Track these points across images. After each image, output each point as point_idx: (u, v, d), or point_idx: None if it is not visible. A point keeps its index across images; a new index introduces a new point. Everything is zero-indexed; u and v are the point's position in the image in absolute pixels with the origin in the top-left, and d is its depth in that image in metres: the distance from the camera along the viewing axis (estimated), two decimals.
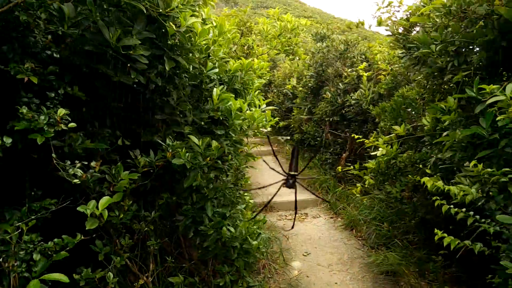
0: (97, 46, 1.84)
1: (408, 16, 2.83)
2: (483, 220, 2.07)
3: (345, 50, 6.80)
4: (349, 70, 6.52)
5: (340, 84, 6.64)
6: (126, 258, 2.26)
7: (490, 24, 2.19)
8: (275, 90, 10.10)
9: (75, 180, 1.76)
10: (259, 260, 3.81)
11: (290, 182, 2.50)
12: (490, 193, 2.05)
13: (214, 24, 2.53)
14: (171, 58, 2.06)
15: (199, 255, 3.07)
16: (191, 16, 2.17)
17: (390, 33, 3.02)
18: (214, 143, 2.42)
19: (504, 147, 2.19)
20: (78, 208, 1.77)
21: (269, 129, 3.44)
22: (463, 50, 2.42)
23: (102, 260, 2.16)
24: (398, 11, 3.06)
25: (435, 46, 2.45)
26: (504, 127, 2.10)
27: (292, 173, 2.49)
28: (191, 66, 2.29)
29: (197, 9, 2.19)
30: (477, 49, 2.36)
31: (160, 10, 1.90)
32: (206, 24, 2.44)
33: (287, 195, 6.33)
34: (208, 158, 2.43)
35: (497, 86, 1.89)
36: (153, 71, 2.06)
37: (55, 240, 1.76)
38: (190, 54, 2.26)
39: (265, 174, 7.62)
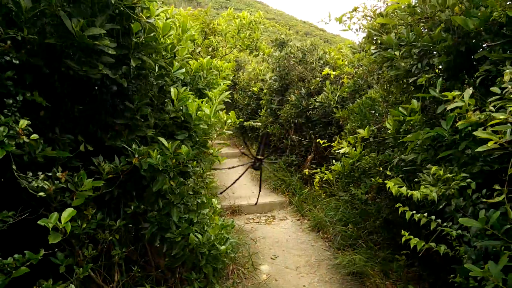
0: (60, 38, 1.71)
1: (381, 13, 2.87)
2: (444, 224, 2.11)
3: (303, 57, 6.88)
4: (310, 75, 6.60)
5: (303, 88, 6.70)
6: (89, 269, 2.13)
7: (451, 29, 2.26)
8: (240, 92, 10.06)
9: (41, 193, 1.62)
10: (227, 265, 3.75)
11: (256, 164, 2.55)
12: (450, 193, 2.10)
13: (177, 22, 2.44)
14: (137, 57, 1.96)
15: (166, 263, 2.97)
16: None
17: (364, 28, 3.05)
18: (184, 147, 2.33)
19: (464, 149, 2.26)
20: (39, 222, 1.63)
21: (229, 132, 3.36)
22: (426, 53, 2.48)
23: (64, 273, 2.02)
24: (365, 15, 3.10)
25: (400, 50, 2.50)
26: (464, 129, 2.16)
27: (259, 157, 2.52)
28: (157, 66, 2.19)
29: (159, 4, 2.10)
30: (438, 52, 2.42)
31: (127, 2, 1.79)
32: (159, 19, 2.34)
33: (254, 198, 6.32)
34: (176, 162, 2.34)
35: (458, 93, 1.94)
36: (118, 72, 1.95)
37: (15, 256, 1.62)
38: (155, 54, 2.16)
39: (231, 176, 7.58)
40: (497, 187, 1.70)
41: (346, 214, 4.92)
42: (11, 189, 1.85)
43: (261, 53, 4.36)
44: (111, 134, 2.31)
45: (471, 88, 1.95)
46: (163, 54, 2.27)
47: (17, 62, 1.65)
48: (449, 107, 1.96)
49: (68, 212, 1.64)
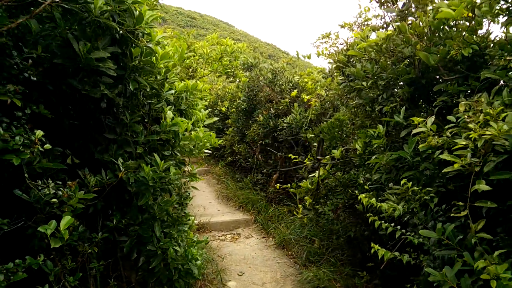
0: (66, 59, 1.79)
1: (348, 48, 3.16)
2: (408, 233, 2.35)
3: (273, 78, 7.18)
4: (279, 97, 6.89)
5: (271, 109, 6.96)
6: (78, 278, 2.15)
7: (413, 64, 2.56)
8: (208, 110, 10.17)
9: (54, 200, 1.68)
10: (197, 281, 3.78)
11: (316, 164, 2.91)
12: (414, 209, 2.35)
13: (170, 47, 2.57)
14: (134, 78, 2.06)
15: (138, 278, 2.97)
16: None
17: (331, 61, 3.33)
18: (173, 169, 2.43)
19: (424, 170, 2.53)
20: (39, 228, 1.68)
21: (209, 151, 3.48)
22: (391, 84, 2.78)
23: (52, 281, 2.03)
24: (335, 43, 3.40)
25: (367, 81, 2.78)
26: (424, 152, 2.43)
27: (319, 157, 2.85)
28: (149, 87, 2.30)
29: (155, 27, 2.22)
30: (402, 84, 2.72)
31: (128, 27, 1.91)
32: (163, 48, 2.48)
33: (220, 216, 6.39)
34: (163, 179, 2.43)
35: (422, 119, 2.22)
36: (114, 90, 2.04)
37: (16, 261, 1.67)
38: (150, 76, 2.28)
39: (198, 196, 7.60)
40: (460, 203, 1.95)
41: (311, 231, 5.11)
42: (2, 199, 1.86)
43: (238, 80, 4.56)
44: (100, 148, 2.36)
45: (432, 116, 2.23)
46: (157, 77, 2.38)
47: (35, 79, 1.71)
48: (414, 131, 2.23)
49: (66, 220, 1.69)
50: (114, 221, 2.49)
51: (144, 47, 2.06)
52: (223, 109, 9.00)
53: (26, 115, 1.73)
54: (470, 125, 1.86)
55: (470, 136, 1.84)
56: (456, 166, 1.88)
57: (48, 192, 1.69)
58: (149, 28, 2.02)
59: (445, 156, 1.95)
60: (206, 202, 7.28)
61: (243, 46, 4.52)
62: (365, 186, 3.10)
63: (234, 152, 8.46)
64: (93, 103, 2.20)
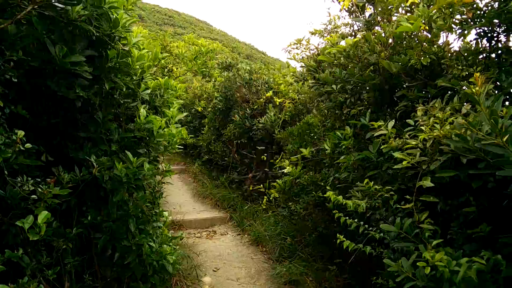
0: (43, 62, 1.85)
1: (318, 53, 3.33)
2: (370, 228, 2.53)
3: (250, 79, 7.32)
4: (255, 97, 7.03)
5: (247, 109, 7.09)
6: (55, 272, 2.21)
7: (378, 71, 2.75)
8: (183, 109, 10.20)
9: (33, 196, 1.73)
10: (172, 276, 3.87)
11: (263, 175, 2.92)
12: (377, 205, 2.53)
13: (145, 48, 2.66)
14: (110, 79, 2.14)
15: (113, 274, 3.04)
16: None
17: (304, 65, 3.50)
18: (147, 165, 2.51)
19: (387, 169, 2.72)
20: (17, 222, 1.74)
21: (180, 148, 3.57)
22: (357, 89, 2.97)
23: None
24: (308, 48, 3.56)
25: (336, 85, 2.96)
26: (387, 153, 2.63)
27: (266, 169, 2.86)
28: (124, 87, 2.38)
29: (131, 31, 2.31)
30: (368, 88, 2.91)
31: (105, 31, 1.99)
32: (139, 49, 2.56)
33: (195, 214, 6.47)
34: (137, 176, 2.51)
35: (382, 123, 2.41)
36: (90, 91, 2.11)
37: None
38: (125, 76, 2.36)
39: (173, 192, 7.65)
40: (408, 197, 2.14)
41: (285, 228, 5.28)
42: None
43: (213, 80, 4.65)
44: (74, 146, 2.42)
45: (393, 120, 2.42)
46: (133, 77, 2.47)
47: (16, 80, 1.77)
48: (375, 134, 2.41)
49: (44, 214, 1.76)
50: (89, 218, 2.55)
51: (121, 50, 2.14)
52: (199, 108, 9.06)
53: (6, 114, 1.79)
54: (422, 127, 2.06)
55: (420, 137, 2.04)
56: (404, 163, 2.08)
57: (27, 189, 1.76)
58: (126, 32, 2.10)
59: (397, 154, 2.14)
60: (182, 200, 7.35)
61: (217, 46, 4.63)
62: (331, 186, 3.28)
63: (210, 151, 8.54)
64: (68, 102, 2.27)
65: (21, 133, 1.72)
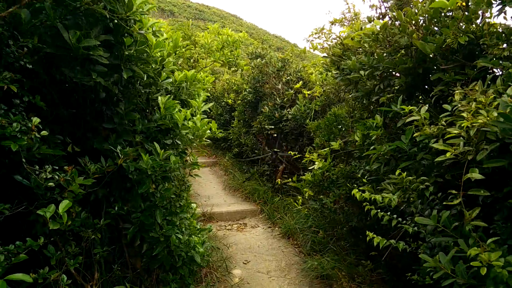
0: (58, 49, 1.85)
1: (342, 40, 3.17)
2: (404, 221, 2.38)
3: (282, 67, 7.18)
4: (285, 88, 6.89)
5: (277, 99, 6.98)
6: (78, 262, 2.25)
7: (409, 54, 2.56)
8: (213, 102, 10.24)
9: (51, 183, 1.77)
10: (201, 268, 3.87)
11: (274, 156, 2.85)
12: (411, 198, 2.37)
13: (166, 36, 2.61)
14: (129, 67, 2.12)
15: (143, 264, 3.07)
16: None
17: (326, 55, 3.34)
18: (173, 157, 2.49)
19: (421, 159, 2.54)
20: (38, 211, 1.77)
21: (209, 141, 3.53)
22: (387, 75, 2.78)
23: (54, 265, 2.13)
24: (329, 38, 3.40)
25: (364, 71, 2.79)
26: (421, 142, 2.45)
27: (276, 150, 2.79)
28: (145, 76, 2.35)
29: (147, 13, 2.27)
30: (399, 74, 2.72)
31: (120, 14, 1.96)
32: (157, 36, 2.52)
33: (226, 206, 6.47)
34: (163, 168, 2.49)
35: (414, 107, 2.23)
36: (109, 79, 2.10)
37: (17, 243, 1.74)
38: (145, 64, 2.33)
39: (204, 185, 7.70)
40: (453, 191, 1.97)
41: (316, 222, 5.16)
42: (2, 185, 1.94)
43: (240, 69, 4.59)
44: (99, 138, 2.43)
45: (426, 105, 2.24)
46: (153, 66, 2.43)
47: (31, 66, 1.77)
48: (407, 120, 2.24)
49: (65, 203, 1.77)
50: (116, 208, 2.56)
51: (138, 35, 2.10)
52: (229, 101, 9.03)
53: (24, 102, 1.80)
54: (463, 114, 1.88)
55: (462, 125, 1.86)
56: (448, 155, 1.90)
57: (45, 177, 1.77)
58: (140, 15, 2.06)
59: (438, 145, 1.97)
60: (213, 192, 7.38)
61: (244, 35, 4.54)
62: (363, 179, 3.13)
63: (240, 144, 8.52)
64: (92, 93, 2.27)
65: (36, 119, 1.72)
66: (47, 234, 2.19)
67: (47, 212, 1.72)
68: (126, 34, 2.10)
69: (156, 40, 2.28)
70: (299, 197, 4.09)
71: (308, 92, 5.22)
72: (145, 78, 2.35)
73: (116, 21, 2.04)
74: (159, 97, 2.69)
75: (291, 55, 7.53)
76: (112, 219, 2.75)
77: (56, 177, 1.80)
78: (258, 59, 7.59)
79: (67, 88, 2.17)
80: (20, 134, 1.67)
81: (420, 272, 2.76)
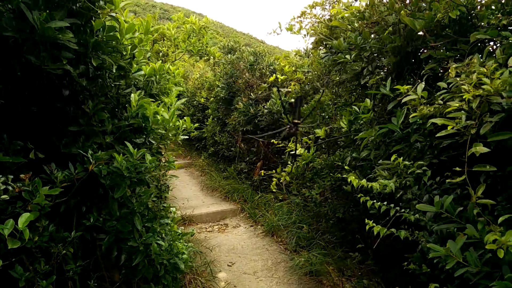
0: (20, 32, 1.55)
1: (330, 18, 3.01)
2: (402, 210, 2.24)
3: (254, 61, 6.99)
4: (259, 82, 6.71)
5: (252, 94, 6.78)
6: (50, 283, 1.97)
7: (398, 32, 2.43)
8: (185, 102, 9.92)
9: (4, 196, 1.46)
10: (185, 275, 3.62)
11: (292, 130, 2.64)
12: (408, 182, 2.23)
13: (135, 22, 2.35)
14: (97, 56, 1.84)
15: (121, 277, 2.80)
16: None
17: (314, 32, 3.16)
18: (148, 156, 2.23)
19: (414, 142, 2.42)
20: None
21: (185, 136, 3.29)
22: (375, 55, 2.64)
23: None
24: (312, 21, 3.24)
25: (350, 55, 2.64)
26: (415, 123, 2.32)
27: (296, 121, 2.62)
28: (114, 67, 2.08)
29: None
30: (387, 53, 2.58)
31: None
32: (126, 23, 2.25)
33: (205, 208, 6.22)
34: (138, 169, 2.23)
35: (409, 86, 2.09)
36: (75, 70, 1.81)
37: None
38: (115, 53, 2.05)
39: (180, 187, 7.40)
40: (457, 168, 1.83)
41: (299, 216, 5.02)
42: None
43: (212, 57, 4.35)
44: (66, 141, 2.14)
45: (423, 83, 2.10)
46: (123, 53, 2.16)
47: None
48: (404, 100, 2.10)
49: (25, 217, 1.49)
50: (92, 219, 2.29)
51: (107, 19, 1.83)
52: (202, 100, 8.75)
53: None
54: (464, 87, 1.74)
55: (464, 97, 1.72)
56: (449, 128, 1.76)
57: None
58: None
59: (438, 120, 1.82)
60: (191, 194, 7.10)
61: (206, 20, 4.30)
62: (346, 167, 2.99)
63: (216, 142, 8.27)
64: (54, 91, 1.98)
65: None
66: (11, 253, 1.91)
67: (5, 229, 1.44)
68: (93, 18, 1.82)
69: (126, 25, 2.01)
70: (274, 179, 3.89)
71: (282, 77, 5.05)
72: (114, 70, 2.08)
73: (81, 4, 1.76)
74: (132, 94, 2.43)
75: (262, 49, 7.36)
76: (85, 231, 2.48)
77: (10, 188, 1.51)
78: (230, 55, 7.37)
79: (26, 85, 1.87)
80: None
81: (414, 260, 2.65)
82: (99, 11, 1.81)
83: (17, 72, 1.73)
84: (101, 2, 1.80)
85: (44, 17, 1.53)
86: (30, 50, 1.61)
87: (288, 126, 2.58)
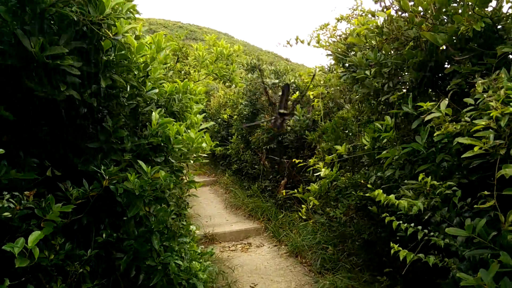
0: (19, 59, 1.60)
1: (346, 36, 2.95)
2: (431, 233, 2.10)
3: (276, 78, 6.99)
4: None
5: (274, 112, 6.76)
6: None
7: (419, 46, 2.34)
8: (209, 119, 10.02)
9: (6, 213, 1.47)
10: None
11: (278, 122, 1.96)
12: (435, 203, 2.10)
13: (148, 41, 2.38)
14: (108, 76, 1.86)
15: None
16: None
17: (330, 53, 3.12)
18: (162, 173, 2.22)
19: (441, 161, 2.29)
20: (4, 247, 1.47)
21: (206, 154, 3.28)
22: (396, 71, 2.55)
23: None
24: (334, 34, 3.19)
25: (370, 70, 2.56)
26: (440, 142, 2.20)
27: (282, 111, 1.94)
28: (128, 86, 2.10)
29: (130, 21, 2.03)
30: (409, 69, 2.49)
31: (92, 18, 1.71)
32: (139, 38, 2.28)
33: (229, 226, 6.16)
34: (153, 187, 2.23)
35: (433, 103, 1.99)
36: (86, 90, 1.84)
37: None
38: (127, 72, 2.08)
39: (204, 205, 7.40)
40: (485, 192, 1.70)
41: (324, 237, 4.87)
42: None
43: (234, 85, 4.38)
44: (84, 158, 2.17)
45: (447, 100, 2.00)
46: (135, 73, 2.18)
47: None
48: (427, 118, 2.00)
49: (35, 236, 1.49)
50: (104, 236, 2.29)
51: (112, 39, 1.85)
52: (225, 117, 8.81)
53: None
54: (491, 103, 1.63)
55: (491, 115, 1.61)
56: (476, 149, 1.65)
57: (1, 205, 1.49)
58: (115, 18, 1.82)
59: (464, 139, 1.71)
60: (215, 212, 7.08)
61: (238, 48, 4.33)
62: (369, 185, 2.87)
63: (240, 160, 8.26)
64: (72, 108, 2.02)
65: None
66: (28, 271, 1.92)
67: (15, 248, 1.44)
68: (103, 38, 1.85)
69: (136, 43, 2.04)
70: (303, 206, 3.78)
71: (313, 93, 4.99)
72: (128, 89, 2.10)
73: (87, 25, 1.79)
74: (153, 113, 2.45)
75: (286, 67, 7.37)
76: (103, 249, 2.48)
77: (12, 205, 1.52)
78: (250, 75, 7.41)
79: (43, 104, 1.91)
80: None
81: (445, 287, 2.47)
82: (102, 34, 1.83)
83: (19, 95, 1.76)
84: (105, 25, 1.82)
85: (41, 43, 1.55)
86: (29, 76, 1.64)
87: (273, 117, 2.00)
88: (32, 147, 1.95)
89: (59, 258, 2.05)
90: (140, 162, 2.20)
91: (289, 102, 6.37)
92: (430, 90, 2.51)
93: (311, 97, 5.39)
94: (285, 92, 2.04)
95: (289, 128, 6.24)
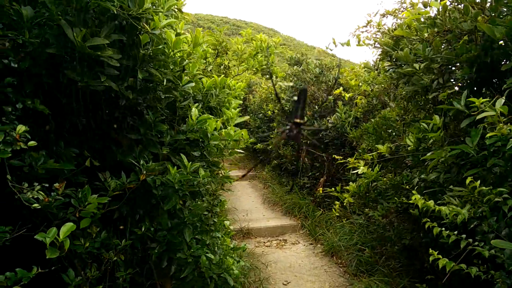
0: (61, 49, 1.65)
1: (395, 29, 2.79)
2: (476, 243, 1.95)
3: (320, 73, 6.83)
4: (324, 95, 6.54)
5: (316, 107, 6.63)
6: None
7: (474, 40, 2.16)
8: (251, 114, 10.04)
9: (35, 205, 1.52)
10: None
11: (293, 132, 1.66)
12: (484, 213, 1.94)
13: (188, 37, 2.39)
14: (144, 69, 1.89)
15: (173, 286, 2.82)
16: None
17: (377, 45, 2.96)
18: (202, 171, 2.25)
19: (492, 166, 2.10)
20: (36, 236, 1.52)
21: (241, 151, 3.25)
22: (447, 67, 2.37)
23: None
24: (379, 30, 3.03)
25: (419, 64, 2.40)
26: (493, 145, 2.02)
27: (298, 120, 1.63)
28: (165, 80, 2.12)
29: (171, 18, 2.04)
30: (458, 64, 2.31)
31: (131, 12, 1.73)
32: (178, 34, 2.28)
33: (265, 221, 6.14)
34: (191, 182, 2.25)
35: (486, 100, 1.82)
36: (123, 84, 1.88)
37: (7, 274, 1.50)
38: (163, 67, 2.10)
39: (242, 199, 7.43)
40: None
41: (362, 238, 4.71)
42: (11, 205, 1.75)
43: (274, 76, 4.31)
44: (122, 149, 2.22)
45: (502, 97, 1.82)
46: (172, 67, 2.20)
47: (16, 66, 1.58)
48: (478, 116, 1.83)
49: (67, 227, 1.53)
50: (143, 228, 2.34)
51: (150, 33, 1.86)
52: (269, 113, 8.78)
53: (18, 110, 1.60)
54: None
55: None
56: None
57: (31, 196, 1.54)
58: (154, 13, 1.82)
59: None
60: (252, 206, 7.09)
61: (278, 39, 4.26)
62: (416, 190, 2.70)
63: (280, 156, 8.20)
64: (112, 100, 2.07)
65: (20, 128, 1.50)
66: (65, 258, 2.00)
67: (47, 238, 1.49)
68: (142, 32, 1.88)
69: (174, 38, 2.04)
70: (336, 202, 3.67)
71: (349, 95, 4.84)
72: (164, 82, 2.11)
73: (126, 19, 1.82)
74: (193, 108, 2.46)
75: (330, 62, 7.19)
76: (137, 239, 2.54)
77: (41, 197, 1.57)
78: (295, 67, 7.31)
79: (82, 96, 1.96)
80: (3, 146, 1.45)
81: None
82: (140, 28, 1.85)
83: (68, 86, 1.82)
84: (144, 19, 1.83)
85: (84, 34, 1.59)
86: (71, 66, 1.69)
87: (288, 127, 1.70)
88: (72, 138, 2.02)
89: (95, 246, 2.11)
90: (182, 156, 2.22)
91: (307, 110, 6.16)
92: (484, 89, 2.31)
93: (346, 98, 5.22)
94: (301, 99, 1.67)
95: (330, 125, 6.09)
